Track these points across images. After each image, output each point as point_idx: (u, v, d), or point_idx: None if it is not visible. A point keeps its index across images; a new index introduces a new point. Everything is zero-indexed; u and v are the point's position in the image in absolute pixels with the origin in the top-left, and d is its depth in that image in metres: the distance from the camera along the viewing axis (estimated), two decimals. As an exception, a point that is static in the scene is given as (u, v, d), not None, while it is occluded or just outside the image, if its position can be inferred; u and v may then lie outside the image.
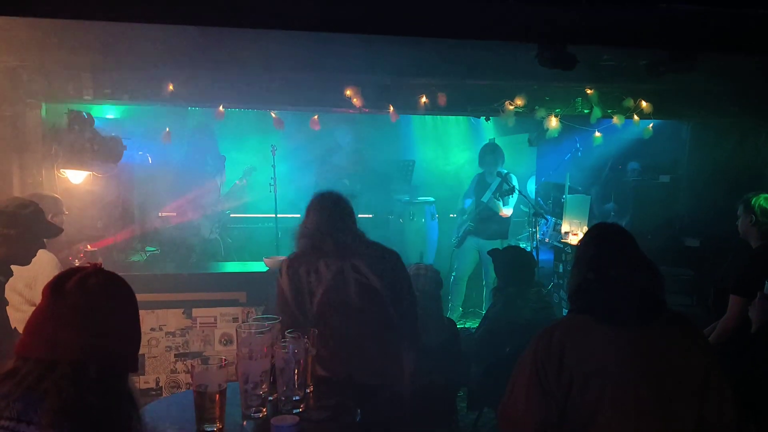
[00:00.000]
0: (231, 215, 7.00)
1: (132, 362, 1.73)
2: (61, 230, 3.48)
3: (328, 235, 2.99)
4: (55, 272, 3.84)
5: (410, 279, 3.22)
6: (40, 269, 3.79)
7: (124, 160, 5.47)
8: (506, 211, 6.64)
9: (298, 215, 7.60)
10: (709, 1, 2.55)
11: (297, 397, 2.57)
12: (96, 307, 1.64)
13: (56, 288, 1.63)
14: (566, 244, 6.59)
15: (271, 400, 2.59)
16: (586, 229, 6.51)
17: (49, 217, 3.88)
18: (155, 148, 6.49)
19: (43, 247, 3.45)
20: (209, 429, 2.33)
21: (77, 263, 4.54)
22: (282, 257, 4.96)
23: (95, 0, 2.71)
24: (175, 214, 6.42)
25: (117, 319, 1.68)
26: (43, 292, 1.64)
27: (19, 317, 3.55)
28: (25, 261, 3.27)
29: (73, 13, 2.78)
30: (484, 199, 6.65)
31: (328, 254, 2.98)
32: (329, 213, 3.06)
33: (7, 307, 3.22)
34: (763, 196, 3.93)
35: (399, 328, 3.06)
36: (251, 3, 2.74)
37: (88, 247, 4.84)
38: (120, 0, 2.73)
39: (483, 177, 6.86)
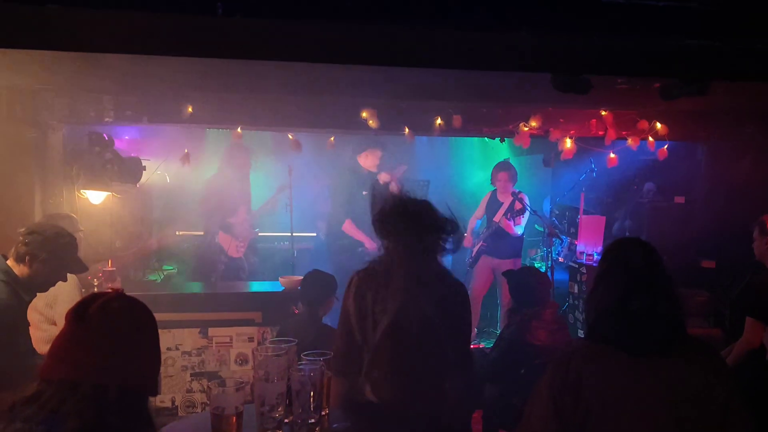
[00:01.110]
0: (259, 234, 6.95)
1: (152, 385, 1.76)
2: (87, 268, 3.53)
3: (403, 262, 2.82)
4: (75, 292, 3.95)
5: (470, 314, 3.11)
6: (61, 289, 3.84)
7: (143, 179, 5.56)
8: (518, 230, 6.63)
9: (314, 234, 7.64)
10: (718, 36, 2.57)
11: (312, 420, 2.58)
12: (118, 331, 1.68)
13: (79, 313, 1.67)
14: (581, 264, 6.57)
15: (287, 423, 2.60)
16: (601, 249, 6.50)
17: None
18: (174, 168, 6.54)
19: (65, 280, 3.47)
20: (226, 451, 2.35)
21: (96, 282, 4.60)
22: (297, 277, 5.00)
23: (117, 35, 2.76)
24: (203, 233, 6.43)
25: (138, 343, 1.72)
26: (66, 317, 1.69)
27: (39, 336, 3.61)
28: (43, 288, 3.33)
29: (93, 47, 2.86)
30: (496, 219, 6.66)
31: (397, 282, 2.80)
32: (415, 242, 2.84)
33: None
34: (779, 218, 3.91)
35: (451, 360, 2.97)
36: (268, 38, 2.78)
37: (109, 265, 4.90)
38: (138, 35, 2.78)
39: (495, 195, 6.87)
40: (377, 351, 2.80)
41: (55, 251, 3.21)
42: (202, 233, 6.48)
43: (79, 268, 3.44)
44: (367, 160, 6.45)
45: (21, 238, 3.16)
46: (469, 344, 3.14)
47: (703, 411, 2.08)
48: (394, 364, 2.83)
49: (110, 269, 4.75)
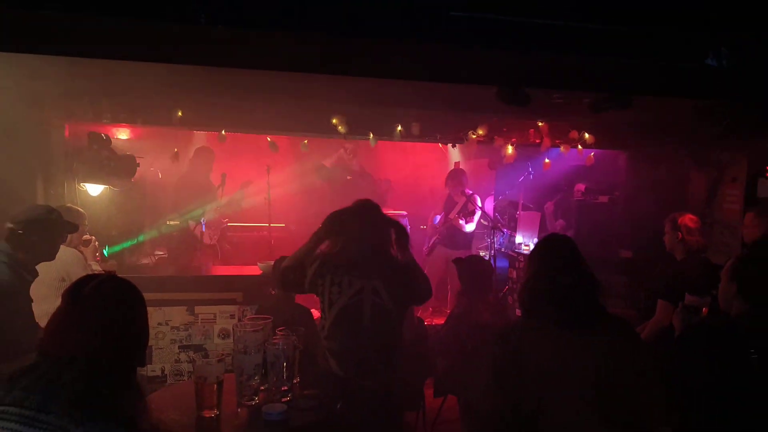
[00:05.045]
0: (229, 224, 6.94)
1: (140, 358, 1.71)
2: (77, 227, 3.47)
3: (364, 254, 2.86)
4: (82, 267, 3.84)
5: (422, 275, 3.08)
6: (71, 264, 3.81)
7: (137, 175, 5.43)
8: (469, 228, 6.67)
9: (283, 225, 7.59)
10: (641, 55, 2.61)
11: (285, 388, 2.56)
12: (110, 310, 1.62)
13: (74, 293, 1.61)
14: (519, 253, 6.63)
15: (262, 390, 2.57)
16: (537, 240, 6.57)
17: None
18: (166, 165, 6.45)
19: (64, 242, 3.45)
20: (208, 415, 2.32)
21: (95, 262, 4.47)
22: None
23: (106, 41, 2.68)
24: (177, 222, 6.40)
25: (128, 321, 1.66)
26: (62, 296, 1.62)
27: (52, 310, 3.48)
28: (51, 257, 3.25)
29: (82, 52, 2.77)
30: (451, 216, 6.70)
31: (355, 270, 2.83)
32: (374, 237, 2.92)
33: (40, 300, 3.18)
34: (687, 216, 3.98)
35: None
36: (248, 47, 2.73)
37: (93, 241, 4.73)
38: (124, 42, 2.70)
39: (450, 196, 6.92)
40: (332, 327, 2.79)
41: (49, 228, 3.15)
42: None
43: (71, 228, 3.36)
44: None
45: (12, 225, 3.06)
46: (428, 292, 3.10)
47: (622, 376, 2.12)
48: (349, 343, 2.80)
49: (94, 243, 4.57)
